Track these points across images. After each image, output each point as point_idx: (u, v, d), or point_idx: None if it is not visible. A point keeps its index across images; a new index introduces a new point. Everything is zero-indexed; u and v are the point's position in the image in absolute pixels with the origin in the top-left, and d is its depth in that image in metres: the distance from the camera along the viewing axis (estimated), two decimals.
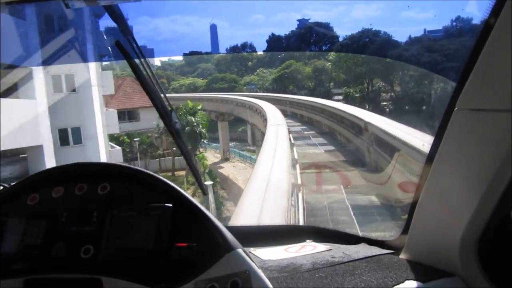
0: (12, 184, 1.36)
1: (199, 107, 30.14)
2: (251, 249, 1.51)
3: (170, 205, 1.22)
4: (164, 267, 1.16)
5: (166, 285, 1.15)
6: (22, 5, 1.35)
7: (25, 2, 1.34)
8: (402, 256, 1.47)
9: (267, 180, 11.53)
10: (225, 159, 35.19)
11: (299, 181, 13.94)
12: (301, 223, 10.42)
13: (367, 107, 37.04)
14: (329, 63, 46.63)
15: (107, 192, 1.29)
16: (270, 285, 1.16)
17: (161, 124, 26.09)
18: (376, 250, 1.53)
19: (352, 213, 14.38)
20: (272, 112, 27.58)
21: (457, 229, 1.22)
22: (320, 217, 14.11)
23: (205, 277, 1.13)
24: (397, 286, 1.27)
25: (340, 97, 42.37)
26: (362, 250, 1.52)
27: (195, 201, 1.26)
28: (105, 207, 1.24)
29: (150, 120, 28.33)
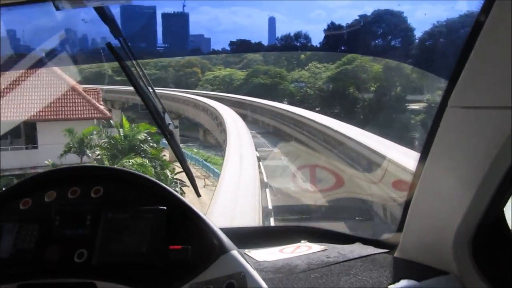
0: (4, 189, 1.34)
1: (140, 136, 16.14)
2: (246, 251, 1.51)
3: (164, 207, 1.22)
4: (159, 269, 1.15)
5: None
6: (10, 7, 1.33)
7: (14, 4, 1.33)
8: (397, 254, 1.47)
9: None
10: None
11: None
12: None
13: None
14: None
15: (100, 195, 1.28)
16: (265, 286, 1.16)
17: (61, 162, 15.29)
18: (370, 250, 1.53)
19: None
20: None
21: (450, 227, 1.23)
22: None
23: (200, 279, 1.13)
24: (392, 285, 1.28)
25: (417, 106, 29.98)
26: (357, 250, 1.53)
27: (190, 203, 1.25)
28: (99, 210, 1.24)
29: (52, 149, 15.69)
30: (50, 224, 1.23)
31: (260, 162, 16.27)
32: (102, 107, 19.42)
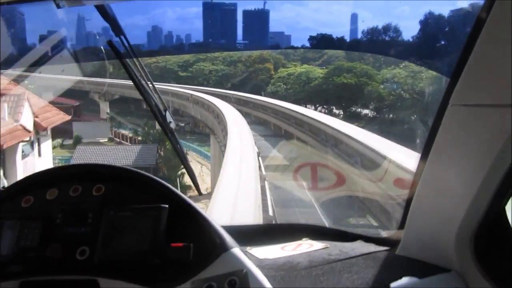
0: (6, 186, 1.35)
1: None
2: (248, 248, 1.51)
3: (166, 205, 1.22)
4: (160, 267, 1.16)
5: (163, 285, 1.15)
6: (12, 5, 1.33)
7: (15, 2, 1.33)
8: (399, 252, 1.47)
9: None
10: None
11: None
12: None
13: None
14: None
15: (102, 193, 1.28)
16: (267, 283, 1.16)
17: None
18: (372, 247, 1.53)
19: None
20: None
21: (452, 225, 1.23)
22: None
23: (202, 276, 1.13)
24: (394, 282, 1.28)
25: None
26: (358, 247, 1.53)
27: (191, 201, 1.26)
28: (100, 208, 1.24)
29: None
30: (52, 222, 1.24)
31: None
32: None
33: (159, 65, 39.81)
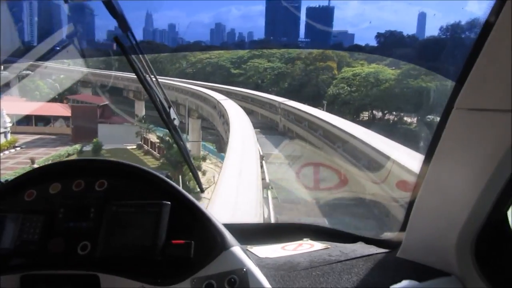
0: (9, 180, 1.36)
1: None
2: (248, 247, 1.52)
3: (168, 202, 1.22)
4: (161, 264, 1.16)
5: (163, 282, 1.15)
6: (21, 0, 1.34)
7: None
8: (399, 255, 1.47)
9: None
10: None
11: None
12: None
13: None
14: None
15: (104, 188, 1.29)
16: (266, 283, 1.16)
17: None
18: (373, 249, 1.53)
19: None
20: None
21: (454, 228, 1.23)
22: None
23: (202, 274, 1.14)
24: (394, 285, 1.28)
25: None
26: (359, 249, 1.53)
27: (193, 198, 1.26)
28: (103, 204, 1.25)
29: None
30: (54, 216, 1.24)
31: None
32: None
33: (211, 61, 37.68)
